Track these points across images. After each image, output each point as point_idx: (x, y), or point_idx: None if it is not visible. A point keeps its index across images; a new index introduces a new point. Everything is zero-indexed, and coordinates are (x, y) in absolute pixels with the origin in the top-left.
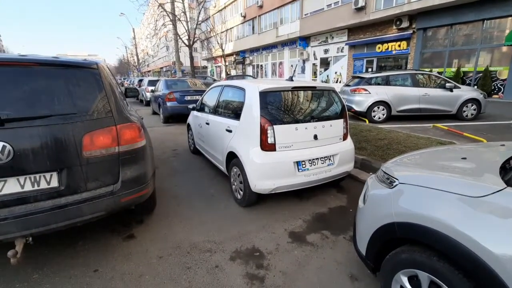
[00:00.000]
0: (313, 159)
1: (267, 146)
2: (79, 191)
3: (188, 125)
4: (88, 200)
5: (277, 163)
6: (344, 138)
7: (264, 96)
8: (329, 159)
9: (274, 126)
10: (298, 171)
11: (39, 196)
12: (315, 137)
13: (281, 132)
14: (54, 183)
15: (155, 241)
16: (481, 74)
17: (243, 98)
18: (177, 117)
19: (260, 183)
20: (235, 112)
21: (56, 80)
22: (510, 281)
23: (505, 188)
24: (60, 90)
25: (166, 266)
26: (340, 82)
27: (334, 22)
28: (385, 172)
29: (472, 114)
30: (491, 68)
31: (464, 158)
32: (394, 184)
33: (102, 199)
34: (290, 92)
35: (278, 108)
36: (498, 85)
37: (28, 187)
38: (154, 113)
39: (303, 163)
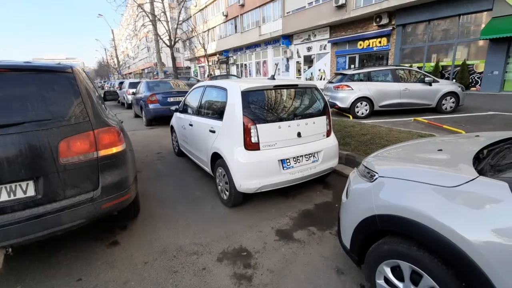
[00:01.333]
0: (298, 157)
1: (251, 145)
2: (57, 199)
3: (172, 127)
4: (67, 208)
5: (262, 162)
6: (328, 134)
7: (246, 95)
8: (314, 156)
9: (257, 125)
10: (283, 169)
11: (16, 206)
12: (299, 134)
13: (265, 131)
14: (31, 192)
15: (140, 247)
16: (459, 68)
17: (225, 98)
18: (160, 119)
19: (245, 182)
20: (218, 112)
21: (28, 85)
22: (486, 267)
23: (478, 177)
24: (33, 96)
25: (152, 272)
26: (324, 79)
27: (316, 20)
28: (366, 167)
29: (451, 107)
30: (468, 62)
31: (440, 150)
32: (375, 178)
33: (82, 206)
34: (272, 90)
35: (260, 107)
36: (476, 78)
37: (4, 197)
38: (137, 116)
39: (287, 161)
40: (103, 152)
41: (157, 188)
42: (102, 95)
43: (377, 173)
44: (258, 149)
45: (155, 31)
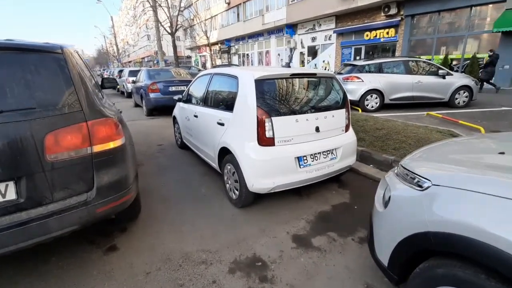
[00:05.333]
0: (315, 154)
1: (265, 140)
2: (44, 203)
3: (174, 118)
4: (55, 213)
5: (277, 159)
6: (346, 129)
7: (260, 84)
8: (332, 152)
9: (273, 118)
10: (300, 167)
11: None
12: (317, 129)
13: (280, 125)
14: (11, 195)
15: (141, 253)
16: (468, 61)
17: (235, 87)
18: (162, 109)
19: (258, 182)
20: (227, 103)
21: (8, 67)
22: None
23: None
24: (14, 80)
25: (154, 284)
26: (328, 70)
27: (321, 9)
28: (407, 170)
29: (464, 101)
30: (479, 55)
31: (503, 153)
32: (426, 185)
33: (73, 210)
34: (288, 79)
35: (276, 98)
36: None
37: None
38: (137, 105)
39: (304, 158)
40: (98, 147)
41: (159, 184)
42: (100, 82)
43: (428, 179)
44: (273, 144)
45: (156, 18)
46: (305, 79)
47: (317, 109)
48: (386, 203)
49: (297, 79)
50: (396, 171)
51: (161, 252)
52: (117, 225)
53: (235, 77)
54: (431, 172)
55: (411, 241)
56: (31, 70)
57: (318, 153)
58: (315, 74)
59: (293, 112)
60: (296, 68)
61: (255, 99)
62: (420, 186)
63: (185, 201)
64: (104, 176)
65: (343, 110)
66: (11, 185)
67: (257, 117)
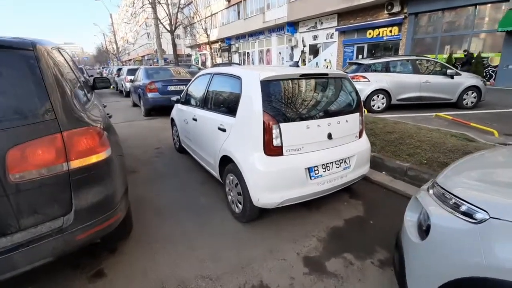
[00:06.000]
0: (327, 163)
1: (272, 149)
2: (8, 233)
3: (172, 120)
4: (22, 245)
5: (285, 170)
6: (360, 135)
7: (267, 86)
8: (345, 162)
9: (281, 124)
10: (310, 178)
11: None
12: (329, 136)
13: (289, 132)
14: None
15: (132, 279)
16: (473, 61)
17: (239, 88)
18: (160, 109)
19: (264, 196)
20: (229, 106)
21: None
22: None
23: None
24: None
25: None
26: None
27: (323, 7)
28: (449, 193)
29: (472, 102)
30: (483, 55)
31: None
32: (480, 217)
33: (46, 240)
34: (297, 81)
35: (284, 102)
36: (490, 71)
37: None
38: (135, 105)
39: (315, 168)
40: (76, 163)
41: (154, 193)
42: (92, 82)
43: (483, 210)
44: (281, 154)
45: (155, 15)
46: (316, 80)
47: (329, 113)
48: (424, 232)
49: (307, 80)
50: (431, 191)
51: (154, 278)
52: (105, 245)
53: (238, 78)
54: (485, 200)
55: (463, 285)
56: None
57: (330, 162)
58: (326, 74)
59: (303, 117)
60: (305, 67)
61: (261, 103)
62: (471, 216)
63: (183, 214)
64: (84, 197)
65: (357, 114)
66: None
67: (263, 123)
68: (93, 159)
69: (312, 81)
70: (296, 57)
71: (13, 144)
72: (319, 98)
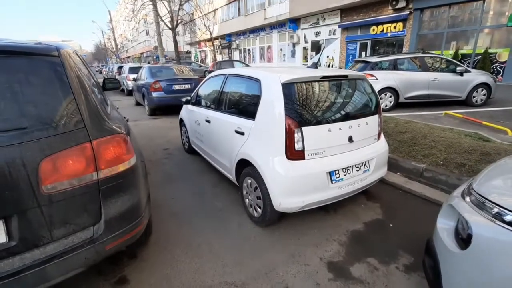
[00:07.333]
0: (348, 167)
1: (294, 153)
2: (41, 244)
3: (181, 121)
4: (56, 256)
5: (307, 174)
6: (379, 137)
7: (288, 89)
8: (365, 165)
9: (302, 128)
10: (332, 182)
11: None
12: (350, 139)
13: (311, 135)
14: (1, 237)
15: (155, 287)
16: (480, 57)
17: (258, 91)
18: (165, 108)
19: (286, 200)
20: (247, 109)
21: None
22: None
23: None
24: None
25: None
26: (332, 66)
27: (326, 2)
28: (493, 203)
29: (481, 100)
30: (491, 50)
31: None
32: None
33: (78, 251)
34: (318, 83)
35: (305, 105)
36: (498, 68)
37: None
38: (138, 103)
39: (336, 172)
40: (106, 172)
41: (168, 197)
42: (102, 83)
43: None
44: (303, 158)
45: (156, 12)
46: (337, 82)
47: (350, 116)
48: (463, 242)
49: (327, 82)
50: (468, 198)
51: (178, 285)
52: (125, 251)
53: (257, 80)
54: None
55: None
56: (20, 79)
57: (351, 166)
58: (346, 76)
59: (325, 121)
60: (324, 69)
61: (283, 106)
62: None
63: (199, 218)
64: (113, 206)
65: (376, 116)
66: (0, 225)
67: (286, 127)
68: (120, 167)
69: (332, 83)
70: (298, 54)
71: (45, 155)
72: (340, 101)
